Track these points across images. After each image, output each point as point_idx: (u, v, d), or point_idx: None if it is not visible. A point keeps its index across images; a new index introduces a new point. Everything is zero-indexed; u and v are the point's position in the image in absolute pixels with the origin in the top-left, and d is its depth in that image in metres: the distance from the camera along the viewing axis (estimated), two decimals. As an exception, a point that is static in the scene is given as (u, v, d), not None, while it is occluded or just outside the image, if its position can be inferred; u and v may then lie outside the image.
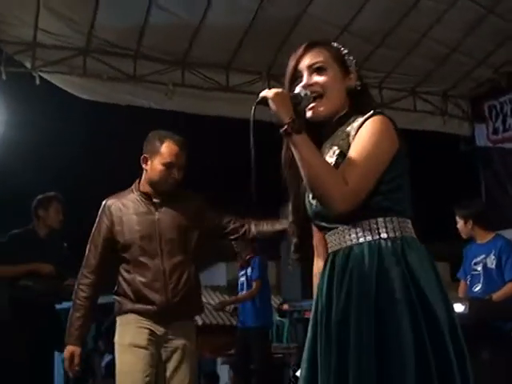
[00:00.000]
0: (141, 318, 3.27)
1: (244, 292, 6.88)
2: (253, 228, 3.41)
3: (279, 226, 3.33)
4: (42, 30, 5.76)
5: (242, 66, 6.69)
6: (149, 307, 3.25)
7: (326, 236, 2.05)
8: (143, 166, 3.33)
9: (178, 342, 3.29)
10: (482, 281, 4.70)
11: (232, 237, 3.51)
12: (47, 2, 5.44)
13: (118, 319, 3.39)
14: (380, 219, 1.94)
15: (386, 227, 1.93)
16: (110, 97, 6.34)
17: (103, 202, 3.42)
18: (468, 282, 4.86)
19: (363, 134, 1.94)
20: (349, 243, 1.96)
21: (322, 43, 2.13)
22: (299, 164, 1.90)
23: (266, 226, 3.42)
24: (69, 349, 3.27)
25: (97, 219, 3.41)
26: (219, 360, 11.26)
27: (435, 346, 1.82)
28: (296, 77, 2.08)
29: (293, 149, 1.91)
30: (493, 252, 4.70)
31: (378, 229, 1.93)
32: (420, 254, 1.94)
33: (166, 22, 5.89)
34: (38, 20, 5.62)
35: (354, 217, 1.94)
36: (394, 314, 1.83)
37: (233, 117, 6.51)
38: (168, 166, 3.27)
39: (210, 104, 6.57)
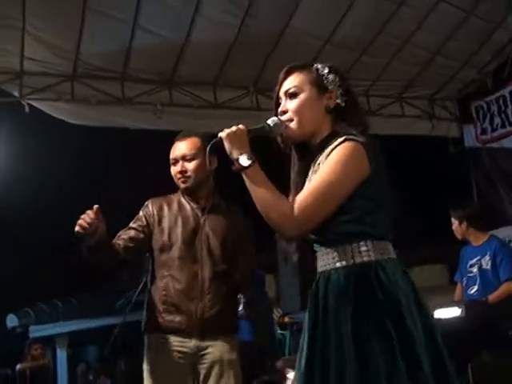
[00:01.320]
0: (169, 338, 3.04)
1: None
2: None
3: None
4: (28, 59, 5.80)
5: (229, 82, 6.74)
6: (179, 319, 3.03)
7: (317, 255, 2.14)
8: None
9: (216, 356, 3.04)
10: (478, 282, 4.72)
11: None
12: (32, 30, 5.48)
13: (146, 339, 3.15)
14: (355, 244, 2.01)
15: (361, 252, 2.00)
16: (99, 120, 6.37)
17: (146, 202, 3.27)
18: (464, 285, 4.88)
19: (327, 163, 2.01)
20: (327, 267, 2.05)
21: (299, 67, 2.20)
22: (252, 195, 2.00)
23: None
24: None
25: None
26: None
27: (409, 360, 1.87)
28: (279, 102, 2.19)
29: (245, 182, 2.01)
30: (488, 253, 4.72)
31: (352, 254, 2.01)
32: (395, 274, 2.00)
33: (150, 43, 5.94)
34: (24, 49, 5.66)
35: (331, 242, 2.04)
36: (368, 342, 1.88)
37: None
38: (173, 163, 3.20)
39: (199, 121, 6.59)
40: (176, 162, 3.18)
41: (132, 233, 3.12)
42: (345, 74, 2.26)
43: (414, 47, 6.72)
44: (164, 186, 3.33)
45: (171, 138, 6.59)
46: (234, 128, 2.06)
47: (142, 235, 3.12)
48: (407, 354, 1.87)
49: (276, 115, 2.16)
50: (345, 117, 2.12)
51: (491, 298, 4.51)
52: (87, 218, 2.74)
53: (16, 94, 5.96)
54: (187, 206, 3.18)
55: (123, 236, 3.10)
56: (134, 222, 3.18)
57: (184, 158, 3.15)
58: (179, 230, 3.11)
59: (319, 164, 2.07)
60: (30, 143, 7.26)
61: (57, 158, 8.17)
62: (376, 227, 2.03)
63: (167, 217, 3.15)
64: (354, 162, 1.99)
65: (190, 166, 3.15)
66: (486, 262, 4.70)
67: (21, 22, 5.36)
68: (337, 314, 1.96)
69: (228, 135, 2.04)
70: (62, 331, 11.05)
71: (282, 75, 2.21)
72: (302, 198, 1.98)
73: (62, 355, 10.85)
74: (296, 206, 1.96)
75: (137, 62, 6.17)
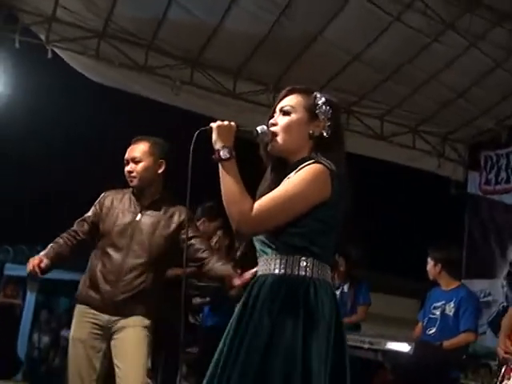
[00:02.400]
0: (87, 310, 3.44)
1: None
2: (208, 265, 3.45)
3: (225, 272, 3.37)
4: (62, 7, 5.88)
5: (251, 75, 6.80)
6: (96, 296, 3.42)
7: (258, 260, 2.27)
8: None
9: (123, 325, 3.40)
10: (437, 325, 4.75)
11: (192, 264, 3.51)
12: (71, -20, 5.56)
13: (75, 307, 3.59)
14: (296, 256, 2.16)
15: (300, 265, 2.15)
16: (117, 82, 6.44)
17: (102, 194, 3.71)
18: (424, 325, 4.92)
19: (293, 177, 2.17)
20: (267, 272, 2.19)
21: (301, 90, 2.34)
22: (221, 186, 2.14)
23: (219, 268, 3.42)
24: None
25: None
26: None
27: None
28: (273, 115, 2.33)
29: (220, 173, 2.15)
30: (453, 300, 4.75)
31: (292, 265, 2.15)
32: (324, 296, 2.13)
33: (183, 20, 6.00)
34: (60, -4, 5.73)
35: (277, 249, 2.18)
36: (276, 355, 2.03)
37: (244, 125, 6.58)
38: (125, 163, 3.56)
39: (214, 107, 6.66)
40: (127, 162, 3.55)
41: (86, 220, 3.62)
42: (340, 110, 2.41)
43: (439, 84, 6.74)
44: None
45: (185, 118, 6.68)
46: (225, 122, 2.20)
47: (93, 220, 3.59)
48: (305, 368, 2.01)
49: (267, 125, 2.29)
50: (325, 148, 2.25)
51: (446, 343, 4.54)
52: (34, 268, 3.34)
53: (43, 37, 6.04)
54: (130, 202, 3.56)
55: (81, 224, 3.61)
56: (91, 210, 3.65)
57: (133, 160, 3.52)
58: (117, 221, 3.50)
59: (289, 178, 2.20)
60: (44, 88, 7.31)
61: (65, 108, 8.23)
62: (320, 248, 2.17)
63: (112, 209, 3.55)
64: (317, 184, 2.14)
65: (137, 167, 3.51)
66: (450, 309, 4.74)
67: (62, -31, 5.43)
68: (260, 317, 2.10)
69: (218, 126, 2.18)
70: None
71: (283, 93, 2.36)
72: (262, 201, 2.12)
73: (30, 299, 10.90)
74: (255, 207, 2.10)
75: (166, 35, 6.23)
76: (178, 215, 3.52)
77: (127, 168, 3.53)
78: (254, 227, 2.13)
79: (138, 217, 3.50)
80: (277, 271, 2.16)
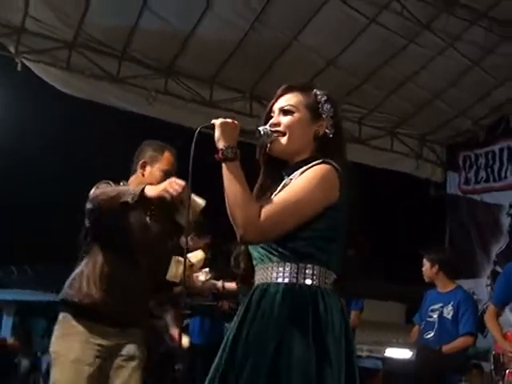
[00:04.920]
0: (89, 325, 3.07)
1: None
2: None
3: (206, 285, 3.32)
4: (31, 17, 5.71)
5: (227, 82, 6.70)
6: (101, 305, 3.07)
7: (255, 268, 2.11)
8: (140, 170, 3.31)
9: (133, 350, 3.14)
10: (435, 329, 4.68)
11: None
12: (40, -10, 5.40)
13: (64, 321, 3.13)
14: (301, 264, 2.00)
15: (305, 273, 1.99)
16: (89, 94, 6.27)
17: None
18: (421, 328, 4.85)
19: (299, 179, 2.03)
20: (269, 280, 2.03)
21: (299, 88, 2.21)
22: (225, 188, 1.99)
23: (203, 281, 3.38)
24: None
25: None
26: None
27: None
28: (270, 115, 2.19)
29: (223, 174, 2.00)
30: (451, 303, 4.70)
31: (297, 273, 2.00)
32: (333, 306, 1.99)
33: (156, 28, 5.88)
34: (29, 6, 5.56)
35: (279, 257, 2.01)
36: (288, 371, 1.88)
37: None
38: (166, 173, 3.24)
39: (189, 116, 6.53)
40: (169, 175, 3.21)
41: None
42: (339, 107, 2.29)
43: (415, 86, 6.73)
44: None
45: (159, 127, 6.55)
46: (229, 120, 2.05)
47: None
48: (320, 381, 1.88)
49: (263, 125, 2.15)
50: (328, 148, 2.13)
51: (446, 348, 4.47)
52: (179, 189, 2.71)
53: (12, 49, 5.85)
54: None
55: None
56: None
57: (173, 176, 3.21)
58: (128, 225, 3.22)
59: (291, 179, 2.07)
60: (15, 102, 7.13)
61: (37, 121, 8.05)
62: (327, 255, 2.03)
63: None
64: (325, 185, 2.00)
65: None
66: (448, 311, 4.68)
67: (30, -21, 5.27)
68: (263, 331, 1.95)
69: (221, 124, 2.02)
70: (10, 298, 10.87)
71: (280, 91, 2.21)
72: (269, 206, 1.96)
73: (7, 322, 10.69)
74: (263, 212, 1.94)
75: (139, 44, 6.10)
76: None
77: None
78: (263, 234, 1.96)
79: (148, 221, 3.25)
80: (280, 280, 2.00)
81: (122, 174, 3.39)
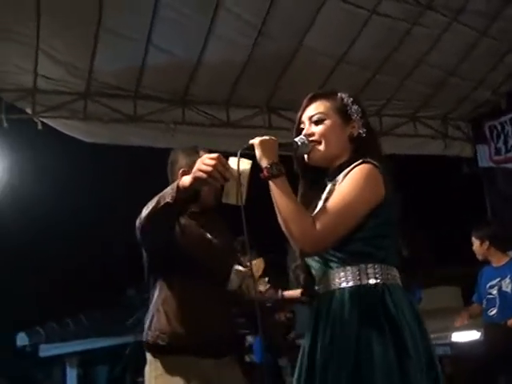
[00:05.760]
0: (192, 360, 2.81)
1: None
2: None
3: None
4: (42, 76, 5.82)
5: (242, 101, 6.74)
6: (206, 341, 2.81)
7: (316, 278, 2.14)
8: None
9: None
10: (497, 305, 4.62)
11: None
12: (46, 48, 5.51)
13: (154, 360, 2.89)
14: (362, 265, 2.02)
15: (368, 273, 2.01)
16: (111, 138, 6.38)
17: None
18: (483, 306, 4.79)
19: (344, 183, 2.05)
20: (333, 287, 2.05)
21: (324, 94, 2.26)
22: (275, 206, 2.02)
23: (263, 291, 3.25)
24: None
25: None
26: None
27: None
28: (300, 126, 2.24)
29: (271, 191, 2.03)
30: (508, 276, 4.64)
31: (359, 275, 2.01)
32: (401, 301, 2.00)
33: (163, 62, 5.95)
34: (37, 66, 5.69)
35: (339, 261, 2.03)
36: (370, 361, 1.89)
37: (235, 151, 6.52)
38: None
39: (212, 140, 6.57)
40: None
41: None
42: (364, 106, 2.31)
43: (428, 67, 6.68)
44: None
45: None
46: (266, 137, 2.10)
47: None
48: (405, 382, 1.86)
49: (296, 137, 2.20)
50: (364, 147, 2.16)
51: (510, 322, 4.40)
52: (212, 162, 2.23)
53: (29, 111, 5.98)
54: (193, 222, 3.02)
55: None
56: None
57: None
58: (198, 245, 2.96)
59: (334, 185, 2.10)
60: (42, 160, 7.26)
61: (68, 176, 8.19)
62: (385, 251, 2.05)
63: (189, 227, 2.98)
64: (371, 184, 2.04)
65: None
66: (506, 285, 4.62)
67: (35, 40, 5.38)
68: (340, 336, 1.96)
69: (261, 142, 2.07)
70: (72, 350, 11.00)
71: (305, 101, 2.26)
72: (322, 215, 1.99)
73: (71, 375, 10.79)
74: (317, 222, 1.96)
75: (150, 81, 6.18)
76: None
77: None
78: (321, 244, 1.99)
79: (209, 236, 2.98)
80: (344, 284, 2.02)
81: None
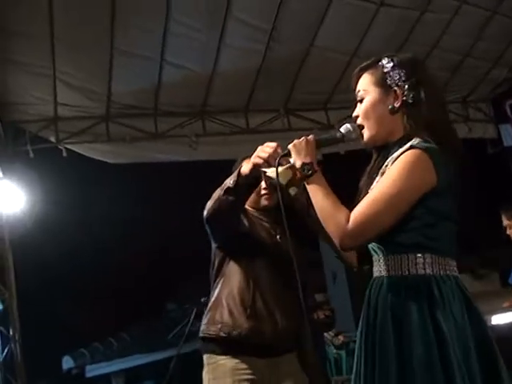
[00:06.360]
0: (239, 362, 2.82)
1: None
2: None
3: None
4: (62, 104, 5.93)
5: (259, 106, 6.77)
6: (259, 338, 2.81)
7: (373, 263, 2.07)
8: None
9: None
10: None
11: None
12: (62, 77, 5.62)
13: (209, 363, 2.89)
14: (411, 255, 1.93)
15: (416, 264, 1.92)
16: (135, 157, 6.46)
17: None
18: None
19: (389, 173, 1.93)
20: (383, 273, 1.99)
21: (367, 66, 2.11)
22: (314, 204, 2.00)
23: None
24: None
25: None
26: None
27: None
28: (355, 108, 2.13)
29: (308, 191, 2.03)
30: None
31: (408, 265, 1.93)
32: (451, 293, 1.90)
33: (179, 77, 6.01)
34: (57, 95, 5.79)
35: (387, 250, 1.97)
36: (410, 369, 1.83)
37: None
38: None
39: (233, 148, 6.61)
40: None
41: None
42: (420, 64, 2.11)
43: (442, 52, 6.64)
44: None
45: (206, 167, 6.67)
46: (301, 139, 2.07)
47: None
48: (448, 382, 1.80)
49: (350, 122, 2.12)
50: (417, 116, 1.98)
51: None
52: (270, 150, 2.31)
53: (53, 139, 6.09)
54: (260, 220, 3.09)
55: None
56: None
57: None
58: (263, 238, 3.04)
59: (384, 167, 1.99)
60: (70, 187, 7.38)
61: (97, 200, 8.30)
62: (436, 240, 1.93)
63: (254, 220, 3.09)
64: (417, 173, 1.89)
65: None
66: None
67: (51, 70, 5.49)
68: (382, 326, 1.91)
69: (294, 146, 2.06)
70: (117, 369, 11.13)
71: (353, 79, 2.13)
72: (358, 209, 1.91)
73: (119, 393, 10.93)
74: (352, 217, 1.90)
75: (167, 97, 6.24)
76: None
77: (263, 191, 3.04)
78: (355, 240, 1.90)
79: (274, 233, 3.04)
80: (393, 273, 1.94)
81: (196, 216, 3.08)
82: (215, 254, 3.00)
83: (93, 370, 11.18)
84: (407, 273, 1.92)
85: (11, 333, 5.70)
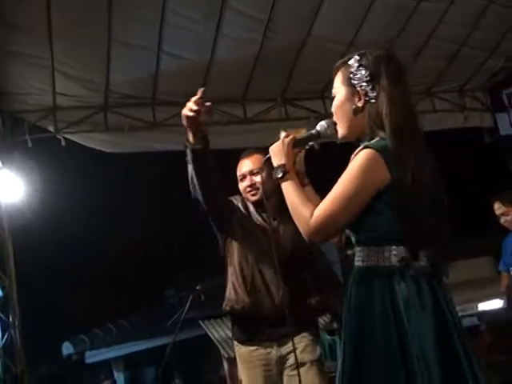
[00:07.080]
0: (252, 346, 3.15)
1: None
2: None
3: None
4: (60, 94, 5.96)
5: (257, 95, 6.80)
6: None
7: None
8: None
9: (300, 356, 3.03)
10: (524, 271, 4.65)
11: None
12: (61, 67, 5.64)
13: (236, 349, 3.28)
14: (380, 247, 2.01)
15: (384, 256, 2.00)
16: (134, 147, 6.51)
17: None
18: (511, 273, 4.81)
19: (345, 172, 2.00)
20: (357, 263, 2.08)
21: (340, 65, 2.11)
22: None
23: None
24: None
25: None
26: None
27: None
28: None
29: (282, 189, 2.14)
30: (533, 242, 4.66)
31: (376, 256, 2.01)
32: (413, 285, 1.97)
33: (176, 67, 6.04)
34: (55, 85, 5.82)
35: (358, 242, 2.07)
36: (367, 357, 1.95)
37: (257, 146, 6.59)
38: (241, 179, 3.36)
39: (231, 137, 6.67)
40: (244, 177, 3.34)
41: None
42: (387, 61, 2.06)
43: (439, 41, 6.67)
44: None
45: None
46: (279, 141, 2.17)
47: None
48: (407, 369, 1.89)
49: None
50: (377, 116, 1.99)
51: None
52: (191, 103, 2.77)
53: (51, 129, 6.12)
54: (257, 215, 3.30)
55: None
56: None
57: (251, 173, 3.31)
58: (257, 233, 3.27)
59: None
60: (68, 176, 7.41)
61: (95, 187, 8.34)
62: (401, 233, 1.98)
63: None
64: (367, 173, 1.95)
65: (258, 179, 3.26)
66: (531, 251, 4.64)
67: (50, 61, 5.52)
68: (353, 313, 2.03)
69: (272, 149, 2.19)
70: (117, 355, 11.22)
71: (333, 76, 2.14)
72: (320, 207, 2.01)
73: (120, 378, 11.02)
74: (314, 214, 2.01)
75: (165, 86, 6.27)
76: None
77: (246, 183, 3.30)
78: (316, 235, 2.02)
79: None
80: (361, 263, 2.04)
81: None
82: (219, 238, 3.27)
83: (92, 356, 11.27)
84: (374, 264, 2.00)
85: (11, 319, 5.76)
